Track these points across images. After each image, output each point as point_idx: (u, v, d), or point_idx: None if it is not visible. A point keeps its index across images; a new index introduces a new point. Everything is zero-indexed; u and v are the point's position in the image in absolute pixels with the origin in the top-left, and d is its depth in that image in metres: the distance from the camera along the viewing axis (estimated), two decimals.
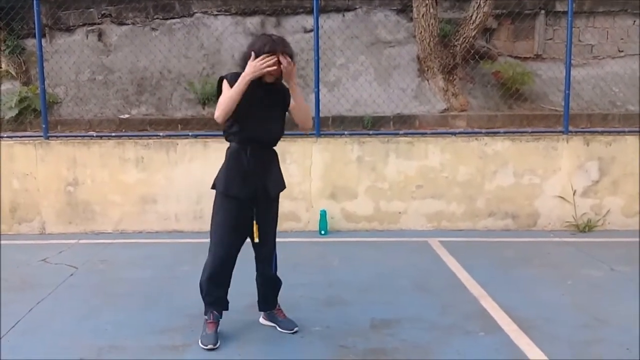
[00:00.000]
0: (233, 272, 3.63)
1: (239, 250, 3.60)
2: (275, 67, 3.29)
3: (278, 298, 3.87)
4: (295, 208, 6.27)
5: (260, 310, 3.88)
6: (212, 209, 3.58)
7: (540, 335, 3.61)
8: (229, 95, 3.30)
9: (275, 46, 3.30)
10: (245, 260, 3.65)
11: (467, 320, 3.87)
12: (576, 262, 5.18)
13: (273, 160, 3.61)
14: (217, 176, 3.57)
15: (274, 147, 3.60)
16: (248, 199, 3.49)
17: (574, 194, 6.19)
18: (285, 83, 3.46)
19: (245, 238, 3.61)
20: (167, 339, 3.62)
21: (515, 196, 6.24)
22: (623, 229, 6.19)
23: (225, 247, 3.54)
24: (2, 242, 5.94)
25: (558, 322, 3.84)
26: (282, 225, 6.16)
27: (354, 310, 4.08)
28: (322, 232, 6.14)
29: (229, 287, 3.66)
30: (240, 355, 3.43)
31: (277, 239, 5.71)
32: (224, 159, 3.57)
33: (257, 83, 3.35)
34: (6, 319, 3.93)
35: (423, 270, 4.98)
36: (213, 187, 3.58)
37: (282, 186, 3.67)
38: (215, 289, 3.62)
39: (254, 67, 3.26)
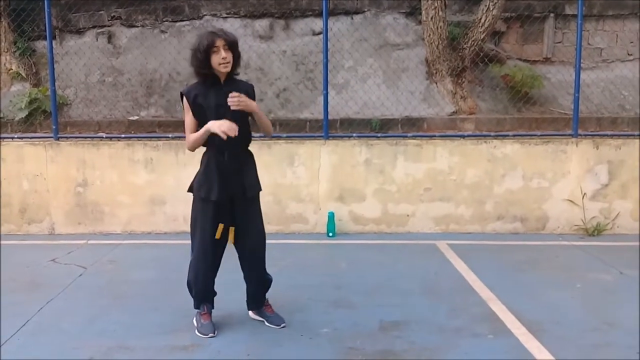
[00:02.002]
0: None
1: (224, 249, 3.74)
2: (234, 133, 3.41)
3: (271, 295, 3.97)
4: (303, 210, 6.28)
5: (249, 309, 3.97)
6: (191, 212, 3.72)
7: (550, 339, 3.60)
8: (195, 138, 3.52)
9: (214, 37, 3.42)
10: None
11: (475, 323, 3.86)
12: (585, 266, 5.16)
13: (249, 162, 3.72)
14: (195, 181, 3.67)
15: (249, 148, 3.71)
16: (227, 201, 3.60)
17: (583, 198, 6.17)
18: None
19: (227, 239, 3.72)
20: (176, 340, 3.64)
21: (524, 199, 6.22)
22: (632, 232, 6.16)
23: (208, 248, 3.67)
24: (12, 242, 6.00)
25: (567, 325, 3.83)
26: (289, 227, 6.26)
27: (362, 312, 4.08)
28: (330, 234, 6.15)
29: (215, 279, 3.80)
30: (250, 356, 3.43)
31: (285, 241, 5.74)
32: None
33: (218, 89, 3.51)
34: (16, 318, 3.96)
35: (431, 272, 4.97)
36: (190, 190, 3.70)
37: (259, 187, 3.77)
38: (202, 287, 3.77)
39: (221, 127, 3.38)
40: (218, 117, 3.47)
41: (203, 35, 3.49)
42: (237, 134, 3.40)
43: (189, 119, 3.57)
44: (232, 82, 3.60)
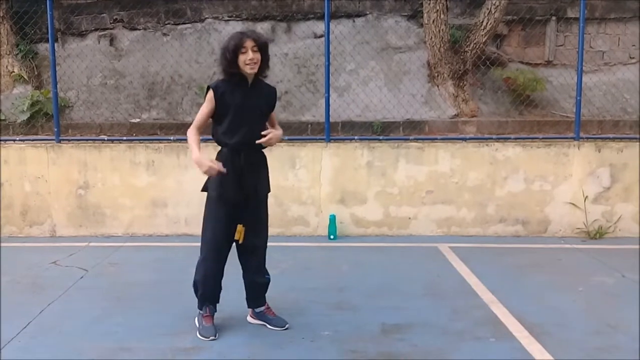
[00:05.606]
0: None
1: (229, 250, 3.74)
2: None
3: (272, 298, 3.98)
4: (305, 212, 6.27)
5: (249, 307, 3.95)
6: (203, 211, 3.70)
7: (552, 342, 3.59)
8: (190, 144, 3.53)
9: (243, 37, 3.46)
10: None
11: (477, 326, 3.85)
12: (587, 269, 5.15)
13: (263, 162, 3.75)
14: (209, 180, 3.66)
15: (262, 150, 3.72)
16: (241, 201, 3.61)
17: (585, 201, 6.16)
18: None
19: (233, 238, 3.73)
20: (177, 342, 3.63)
21: (526, 202, 6.22)
22: (634, 235, 6.15)
23: (219, 248, 3.68)
24: (14, 244, 6.00)
25: (570, 328, 3.81)
26: (291, 229, 6.26)
27: (364, 315, 4.07)
28: (332, 236, 6.14)
29: (221, 281, 3.78)
30: (251, 359, 3.42)
31: (286, 243, 5.73)
32: None
33: (245, 90, 3.56)
34: (17, 320, 3.95)
35: (433, 275, 4.96)
36: (204, 190, 3.69)
37: (269, 188, 3.81)
38: (210, 287, 3.76)
39: (208, 170, 3.44)
40: (241, 117, 3.54)
41: (233, 35, 3.53)
42: (224, 173, 3.48)
43: (206, 110, 3.57)
44: (258, 84, 3.64)
